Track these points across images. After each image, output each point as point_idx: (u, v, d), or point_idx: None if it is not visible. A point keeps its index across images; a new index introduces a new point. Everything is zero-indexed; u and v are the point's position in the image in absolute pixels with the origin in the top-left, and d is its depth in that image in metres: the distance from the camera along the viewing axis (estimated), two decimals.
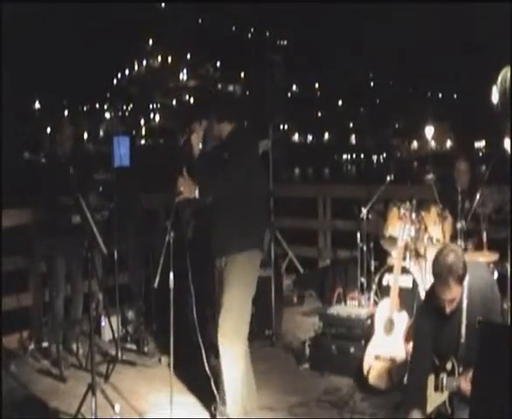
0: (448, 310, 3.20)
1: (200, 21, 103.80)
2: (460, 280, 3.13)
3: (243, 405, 3.78)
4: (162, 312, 5.24)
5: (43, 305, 5.52)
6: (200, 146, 3.87)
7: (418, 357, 3.42)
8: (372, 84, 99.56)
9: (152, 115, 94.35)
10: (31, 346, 5.20)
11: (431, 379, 3.34)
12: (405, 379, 3.74)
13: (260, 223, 3.81)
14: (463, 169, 5.20)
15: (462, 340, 3.23)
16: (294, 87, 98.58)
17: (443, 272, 3.10)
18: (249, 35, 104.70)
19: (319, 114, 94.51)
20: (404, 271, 4.75)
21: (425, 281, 4.47)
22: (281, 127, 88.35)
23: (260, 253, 3.83)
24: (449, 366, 3.25)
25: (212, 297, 4.71)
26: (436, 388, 3.29)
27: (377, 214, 5.47)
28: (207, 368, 4.13)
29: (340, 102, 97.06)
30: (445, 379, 3.25)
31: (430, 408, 3.31)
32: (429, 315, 3.33)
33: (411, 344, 3.95)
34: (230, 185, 3.61)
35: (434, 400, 3.31)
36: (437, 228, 4.85)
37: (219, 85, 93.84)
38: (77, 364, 4.97)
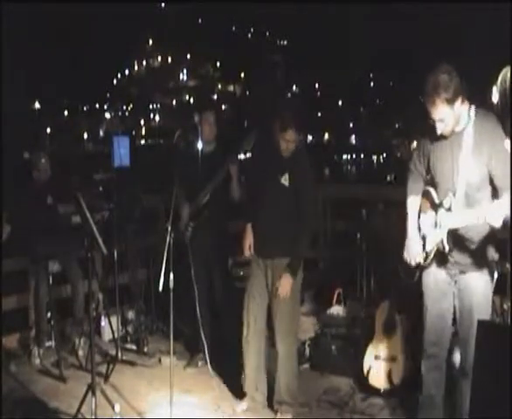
0: (439, 130, 3.17)
1: (200, 21, 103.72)
2: (448, 101, 3.07)
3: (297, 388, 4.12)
4: (163, 312, 5.25)
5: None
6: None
7: (417, 157, 3.48)
8: (372, 84, 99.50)
9: (152, 115, 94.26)
10: (31, 346, 5.20)
11: (431, 215, 3.35)
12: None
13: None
14: None
15: (459, 175, 3.18)
16: (294, 87, 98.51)
17: (429, 89, 3.09)
18: (249, 35, 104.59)
19: (319, 114, 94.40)
20: None
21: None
22: None
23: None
24: (447, 203, 3.22)
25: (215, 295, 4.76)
26: (435, 225, 3.30)
27: (377, 214, 5.47)
28: (210, 368, 4.15)
29: (340, 102, 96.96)
30: (443, 216, 3.25)
31: (429, 247, 3.35)
32: (429, 135, 3.32)
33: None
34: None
35: (433, 237, 3.32)
36: None
37: (219, 85, 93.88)
38: (77, 364, 4.97)
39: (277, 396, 4.09)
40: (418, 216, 3.48)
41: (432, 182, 3.42)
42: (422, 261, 3.43)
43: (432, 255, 3.38)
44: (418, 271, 3.48)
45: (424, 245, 3.41)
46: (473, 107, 3.21)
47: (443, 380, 3.60)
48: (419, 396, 3.63)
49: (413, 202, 3.51)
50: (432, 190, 3.39)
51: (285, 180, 3.94)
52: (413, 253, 3.45)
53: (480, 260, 3.33)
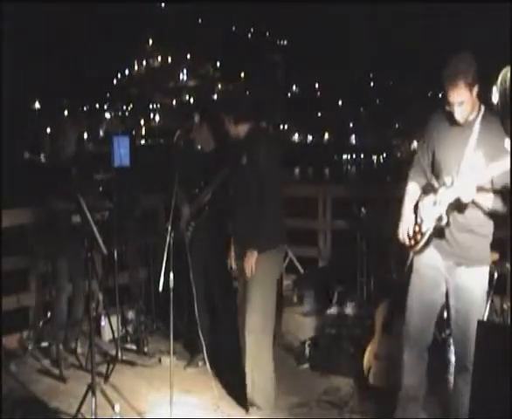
0: (458, 115, 3.22)
1: (200, 21, 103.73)
2: (469, 86, 3.16)
3: (271, 393, 4.00)
4: (163, 312, 5.25)
5: (43, 305, 5.52)
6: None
7: (421, 151, 3.51)
8: (372, 84, 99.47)
9: (152, 115, 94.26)
10: (31, 347, 5.20)
11: (430, 197, 3.36)
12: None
13: (282, 218, 4.05)
14: None
15: (463, 160, 3.23)
16: (294, 87, 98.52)
17: (452, 73, 3.17)
18: (249, 35, 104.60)
19: (319, 114, 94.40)
20: None
21: None
22: (281, 126, 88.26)
23: (283, 247, 4.10)
24: (448, 180, 3.25)
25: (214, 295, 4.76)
26: (434, 204, 3.32)
27: (377, 213, 5.48)
28: (208, 367, 4.15)
29: (340, 102, 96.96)
30: (444, 192, 3.27)
31: (425, 227, 3.35)
32: (442, 118, 3.38)
33: None
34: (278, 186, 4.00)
35: (431, 215, 3.33)
36: None
37: (219, 85, 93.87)
38: (77, 364, 4.97)
39: (248, 394, 4.02)
40: (416, 206, 3.48)
41: (435, 171, 3.43)
42: (413, 242, 3.40)
43: (427, 235, 3.35)
44: (411, 256, 3.47)
45: (420, 227, 3.39)
46: (482, 105, 3.28)
47: (425, 370, 3.56)
48: (400, 391, 3.58)
49: (413, 188, 3.52)
50: (433, 181, 3.42)
51: (244, 160, 3.95)
52: (403, 229, 3.43)
53: (478, 254, 3.34)
